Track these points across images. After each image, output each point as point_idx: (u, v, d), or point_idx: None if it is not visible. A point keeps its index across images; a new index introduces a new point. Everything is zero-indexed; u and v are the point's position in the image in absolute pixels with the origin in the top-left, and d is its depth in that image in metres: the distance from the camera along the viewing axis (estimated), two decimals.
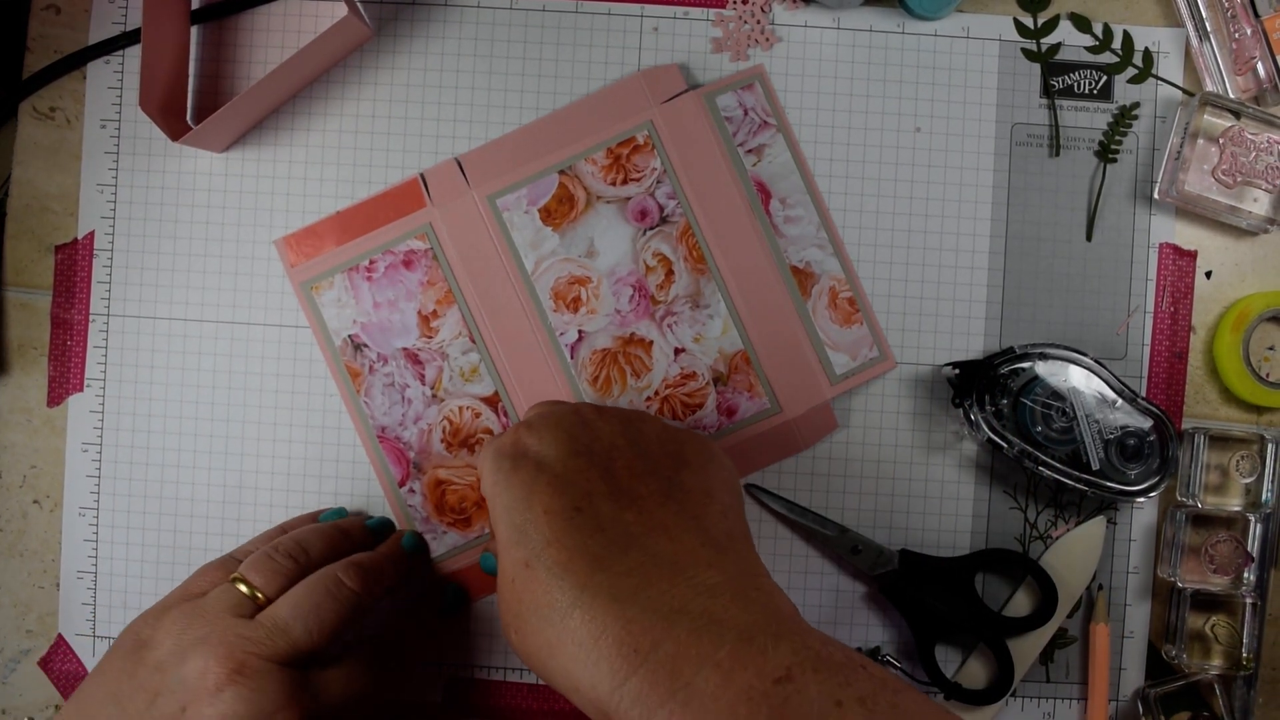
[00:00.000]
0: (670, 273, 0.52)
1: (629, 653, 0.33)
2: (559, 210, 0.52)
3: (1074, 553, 0.52)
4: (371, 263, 0.52)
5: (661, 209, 0.52)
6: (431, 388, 0.52)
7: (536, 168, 0.52)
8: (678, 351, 0.52)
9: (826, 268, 0.52)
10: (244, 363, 0.53)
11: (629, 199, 0.52)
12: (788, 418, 0.52)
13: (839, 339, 0.52)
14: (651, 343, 0.52)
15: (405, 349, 0.52)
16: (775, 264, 0.52)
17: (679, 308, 0.52)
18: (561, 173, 0.52)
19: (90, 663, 0.53)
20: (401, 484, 0.52)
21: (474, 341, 0.52)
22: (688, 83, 0.52)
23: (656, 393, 0.52)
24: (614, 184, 0.52)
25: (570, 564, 0.36)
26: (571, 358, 0.52)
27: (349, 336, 0.52)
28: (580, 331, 0.52)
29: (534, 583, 0.36)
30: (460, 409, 0.52)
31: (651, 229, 0.52)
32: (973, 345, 0.53)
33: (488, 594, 0.53)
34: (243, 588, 0.44)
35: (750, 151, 0.52)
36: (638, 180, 0.52)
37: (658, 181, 0.52)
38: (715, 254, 0.52)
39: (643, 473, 0.39)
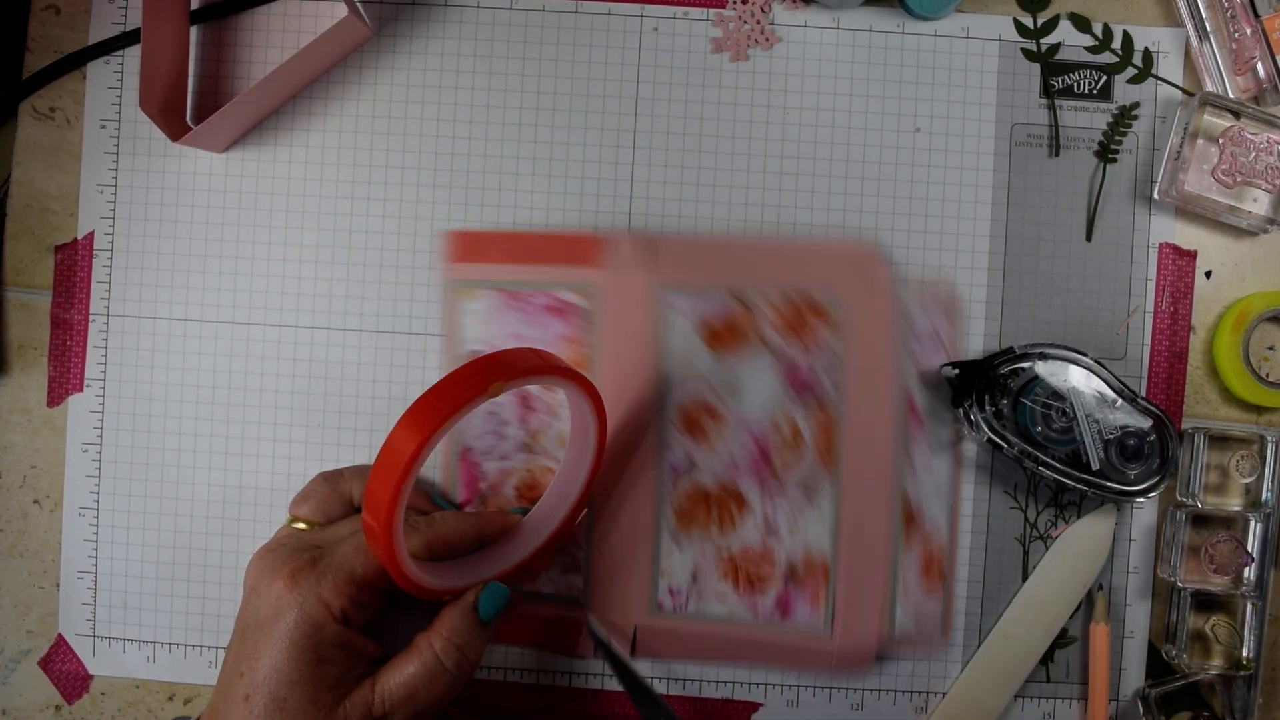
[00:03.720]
0: (798, 451, 0.50)
1: None
2: (723, 335, 0.51)
3: (1083, 543, 0.52)
4: (527, 295, 0.51)
5: (818, 388, 0.50)
6: (530, 437, 0.51)
7: (721, 283, 0.50)
8: (769, 529, 0.51)
9: (936, 526, 0.51)
10: (244, 363, 0.53)
11: (793, 361, 0.50)
12: (832, 647, 0.51)
13: (914, 601, 0.51)
14: (748, 505, 0.51)
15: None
16: (893, 498, 0.51)
17: (792, 491, 0.51)
18: (740, 301, 0.50)
19: (90, 663, 0.53)
20: (460, 508, 0.52)
21: None
22: (891, 276, 0.51)
23: (731, 553, 0.51)
24: (786, 338, 0.50)
25: None
26: (671, 480, 0.51)
27: (473, 352, 0.51)
28: (689, 458, 0.51)
29: None
30: (545, 470, 0.51)
31: (800, 400, 0.50)
32: (972, 345, 0.53)
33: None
34: (300, 525, 0.48)
35: (919, 373, 0.51)
36: (809, 349, 0.50)
37: (826, 361, 0.50)
38: (846, 459, 0.50)
39: None
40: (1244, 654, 0.51)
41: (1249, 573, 0.51)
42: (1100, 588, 0.52)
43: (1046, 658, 0.53)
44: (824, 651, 0.51)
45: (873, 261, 0.51)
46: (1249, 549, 0.51)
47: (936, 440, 0.52)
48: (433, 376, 0.53)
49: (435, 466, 0.52)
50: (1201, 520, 0.52)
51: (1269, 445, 0.51)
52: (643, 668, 0.53)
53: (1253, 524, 0.51)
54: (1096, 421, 0.49)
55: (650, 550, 0.51)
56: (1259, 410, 0.53)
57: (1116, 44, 0.53)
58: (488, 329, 0.51)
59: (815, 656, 0.51)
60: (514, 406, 0.51)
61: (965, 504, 0.52)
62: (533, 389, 0.50)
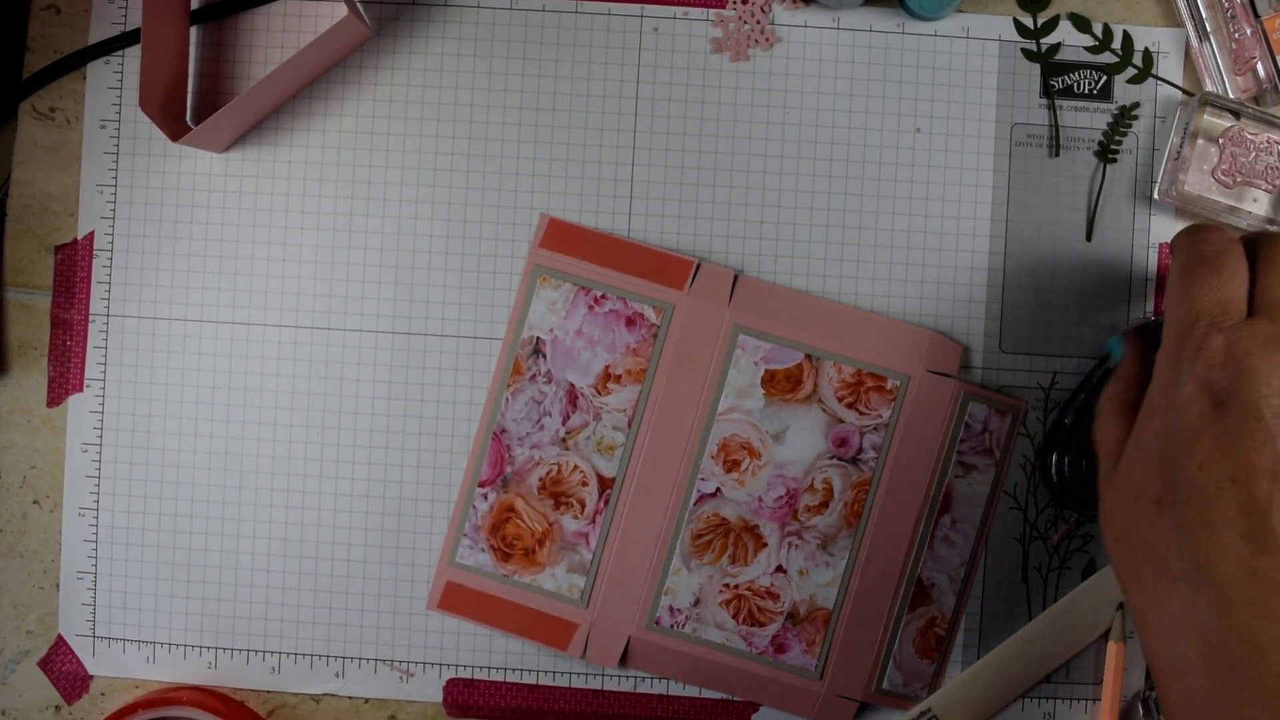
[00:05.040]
0: (825, 505, 0.51)
1: (1214, 664, 0.31)
2: (782, 384, 0.51)
3: None
4: (604, 297, 0.51)
5: (859, 451, 0.51)
6: (568, 432, 0.52)
7: (794, 336, 0.51)
8: (779, 569, 0.51)
9: (943, 600, 0.52)
10: (244, 363, 0.53)
11: (841, 422, 0.51)
12: (818, 690, 0.51)
13: (906, 662, 0.52)
14: (765, 545, 0.51)
15: (573, 385, 0.51)
16: (908, 568, 0.51)
17: (809, 537, 0.51)
18: (808, 356, 0.51)
19: (90, 663, 0.53)
20: (481, 485, 0.52)
21: (629, 426, 0.51)
22: (962, 365, 0.52)
23: (737, 585, 0.51)
24: (840, 401, 0.51)
25: (1203, 535, 0.32)
26: (695, 504, 0.51)
27: (537, 338, 0.52)
28: (719, 490, 0.51)
29: (1153, 526, 0.33)
30: (574, 467, 0.52)
31: (838, 460, 0.51)
32: (972, 345, 0.53)
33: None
34: None
35: (961, 464, 0.51)
36: (861, 415, 0.51)
37: (875, 428, 0.51)
38: (870, 522, 0.51)
39: None
40: None
41: None
42: (1121, 605, 0.52)
43: None
44: (809, 693, 0.51)
45: (946, 355, 0.51)
46: None
47: (962, 520, 0.52)
48: (431, 376, 0.53)
49: (466, 437, 0.52)
50: None
51: None
52: (629, 681, 0.52)
53: None
54: None
55: (659, 567, 0.51)
56: None
57: (1116, 44, 0.53)
58: (557, 320, 0.51)
59: (800, 696, 0.51)
60: (560, 400, 0.51)
61: (976, 586, 0.53)
62: (583, 387, 0.51)
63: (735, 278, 0.52)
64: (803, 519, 0.51)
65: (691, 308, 0.51)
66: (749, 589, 0.51)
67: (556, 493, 0.52)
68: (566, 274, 0.52)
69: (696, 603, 0.52)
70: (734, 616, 0.52)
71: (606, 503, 0.52)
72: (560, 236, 0.52)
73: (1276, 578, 0.31)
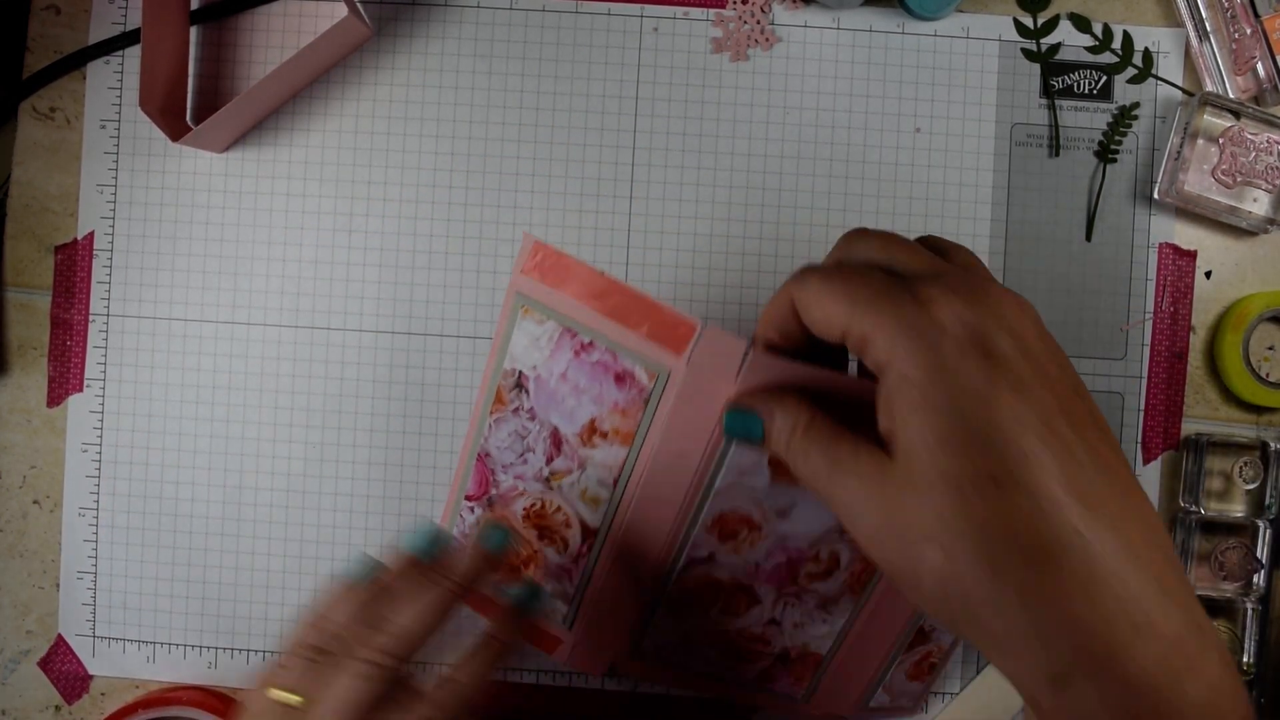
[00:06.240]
0: (829, 575, 0.45)
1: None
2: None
3: None
4: (590, 344, 0.42)
5: None
6: (551, 473, 0.45)
7: None
8: (772, 620, 0.47)
9: (941, 638, 0.49)
10: (244, 363, 0.53)
11: None
12: (806, 710, 0.50)
13: (895, 685, 0.50)
14: (760, 602, 0.46)
15: (557, 429, 0.44)
16: (909, 622, 0.47)
17: (807, 599, 0.46)
18: None
19: (90, 663, 0.53)
20: (468, 499, 0.48)
21: (614, 486, 0.44)
22: None
23: (726, 630, 0.47)
24: None
25: (1065, 498, 0.29)
26: (684, 566, 0.45)
27: (520, 372, 0.45)
28: (712, 556, 0.45)
29: (1010, 509, 0.29)
30: (558, 507, 0.46)
31: (850, 542, 0.45)
32: None
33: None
34: (276, 693, 0.39)
35: None
36: None
37: None
38: (875, 594, 0.46)
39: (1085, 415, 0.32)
40: (1244, 659, 0.51)
41: (1259, 579, 0.51)
42: None
43: None
44: (797, 713, 0.50)
45: None
46: (1259, 555, 0.51)
47: None
48: (431, 376, 0.53)
49: (450, 453, 0.53)
50: (1211, 527, 0.52)
51: (1272, 451, 0.51)
52: (628, 681, 0.52)
53: (1261, 530, 0.51)
54: None
55: (644, 615, 0.47)
56: (1259, 410, 0.53)
57: (1116, 44, 0.52)
58: (540, 358, 0.44)
59: (784, 711, 0.50)
60: (543, 440, 0.45)
61: None
62: (568, 434, 0.45)
63: (746, 352, 0.39)
64: (803, 583, 0.46)
65: (690, 376, 0.41)
66: (739, 634, 0.47)
67: (541, 525, 0.46)
68: (551, 310, 0.43)
69: (684, 640, 0.48)
70: (729, 652, 0.48)
71: (589, 548, 0.46)
72: (546, 265, 0.43)
73: (1111, 506, 0.30)
